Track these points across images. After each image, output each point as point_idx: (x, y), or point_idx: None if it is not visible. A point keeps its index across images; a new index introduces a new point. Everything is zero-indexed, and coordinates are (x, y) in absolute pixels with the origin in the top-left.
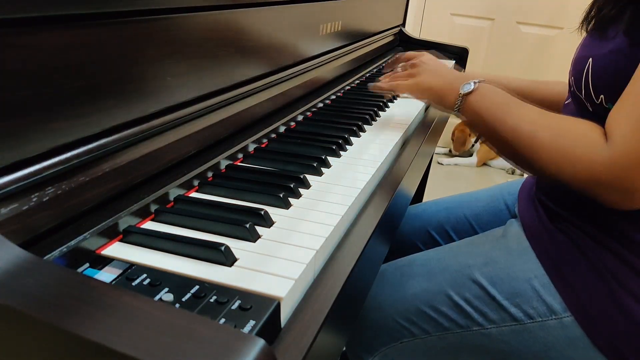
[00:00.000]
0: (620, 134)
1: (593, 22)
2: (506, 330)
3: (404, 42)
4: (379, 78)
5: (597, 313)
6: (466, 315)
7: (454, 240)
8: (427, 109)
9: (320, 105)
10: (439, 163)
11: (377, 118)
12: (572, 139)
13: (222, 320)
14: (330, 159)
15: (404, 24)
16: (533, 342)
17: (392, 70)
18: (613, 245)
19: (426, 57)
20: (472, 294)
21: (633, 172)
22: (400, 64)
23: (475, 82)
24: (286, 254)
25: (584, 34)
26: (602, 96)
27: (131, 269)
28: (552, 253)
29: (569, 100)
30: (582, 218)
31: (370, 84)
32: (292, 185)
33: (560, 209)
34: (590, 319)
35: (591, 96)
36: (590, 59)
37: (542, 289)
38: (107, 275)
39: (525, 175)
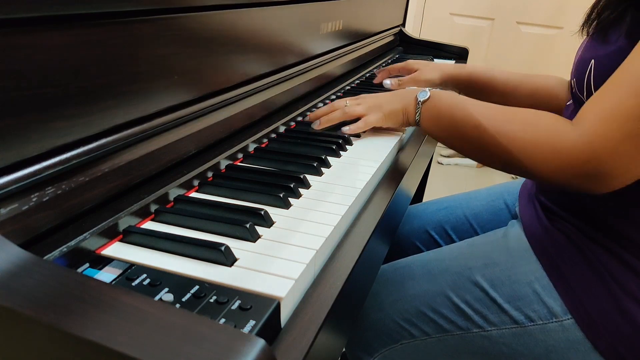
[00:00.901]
0: (590, 118)
1: (594, 25)
2: (507, 333)
3: (404, 42)
4: (317, 119)
5: (597, 315)
6: (466, 317)
7: (453, 240)
8: None
9: (321, 105)
10: (439, 163)
11: None
12: (538, 129)
13: (222, 320)
14: (330, 159)
15: (404, 24)
16: (534, 345)
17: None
18: (611, 246)
19: (363, 96)
20: (473, 296)
21: (600, 154)
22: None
23: (429, 89)
24: (286, 254)
25: (585, 35)
26: None
27: (131, 269)
28: (551, 253)
29: (570, 101)
30: (580, 218)
31: (314, 124)
32: (292, 185)
33: (559, 209)
34: (590, 322)
35: None
36: (593, 61)
37: (543, 292)
38: (107, 275)
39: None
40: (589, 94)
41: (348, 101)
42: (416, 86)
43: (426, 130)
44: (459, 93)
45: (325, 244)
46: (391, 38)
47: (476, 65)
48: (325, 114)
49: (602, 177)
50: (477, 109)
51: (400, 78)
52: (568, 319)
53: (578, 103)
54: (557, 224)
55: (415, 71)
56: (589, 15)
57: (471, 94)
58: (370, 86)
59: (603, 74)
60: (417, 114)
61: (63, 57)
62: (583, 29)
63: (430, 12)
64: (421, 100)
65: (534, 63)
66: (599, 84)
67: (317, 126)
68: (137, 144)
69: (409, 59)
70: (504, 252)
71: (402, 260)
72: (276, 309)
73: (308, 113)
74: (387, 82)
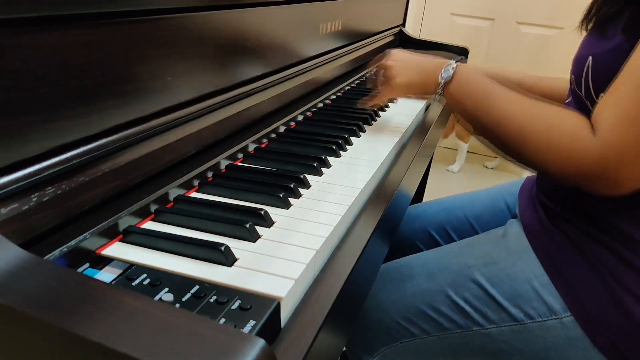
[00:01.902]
0: (606, 124)
1: (593, 20)
2: (506, 330)
3: (404, 42)
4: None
5: (596, 313)
6: (466, 316)
7: (454, 241)
8: (427, 109)
9: (320, 105)
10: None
11: (377, 118)
12: (560, 132)
13: (222, 320)
14: (330, 159)
15: (404, 24)
16: (533, 342)
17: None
18: (612, 244)
19: (394, 55)
20: (472, 294)
21: (618, 162)
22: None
23: (453, 67)
24: (286, 254)
25: (584, 33)
26: (601, 94)
27: (131, 269)
28: (551, 252)
29: (570, 99)
30: (580, 217)
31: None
32: (292, 185)
33: (559, 208)
34: (590, 319)
35: (591, 95)
36: (590, 57)
37: (543, 289)
38: (107, 275)
39: (525, 176)
40: (587, 91)
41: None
42: None
43: (448, 103)
44: None
45: (325, 244)
46: (391, 38)
47: (491, 66)
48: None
49: (616, 181)
50: (503, 99)
51: None
52: (567, 316)
53: (576, 99)
54: (557, 223)
55: None
56: (588, 11)
57: None
58: (370, 87)
59: (600, 71)
60: (439, 92)
61: (63, 57)
62: (582, 24)
63: (430, 12)
64: (442, 80)
65: (534, 63)
66: (596, 81)
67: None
68: (137, 144)
69: None
70: (503, 251)
71: (402, 259)
72: (276, 309)
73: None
74: None
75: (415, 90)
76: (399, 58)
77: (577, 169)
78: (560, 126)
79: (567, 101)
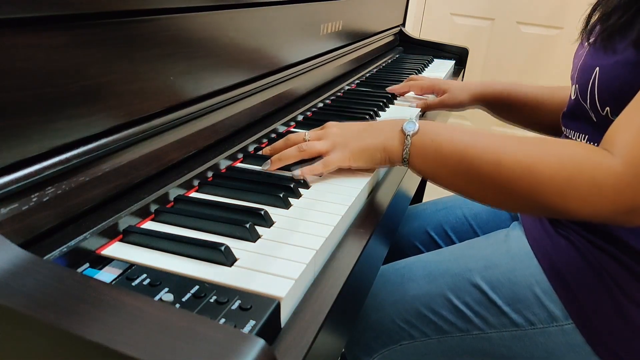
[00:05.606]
0: (628, 144)
1: (598, 30)
2: (507, 336)
3: (404, 42)
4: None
5: (599, 321)
6: (466, 319)
7: (453, 241)
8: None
9: (320, 105)
10: None
11: (377, 118)
12: (575, 164)
13: (222, 320)
14: None
15: (404, 24)
16: (534, 348)
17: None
18: (614, 252)
19: (329, 125)
20: (473, 298)
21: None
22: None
23: (415, 119)
24: (286, 253)
25: (586, 42)
26: (607, 108)
27: (131, 269)
28: (554, 258)
29: (567, 109)
30: (583, 226)
31: (264, 165)
32: (292, 185)
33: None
34: (591, 326)
35: (596, 107)
36: (597, 69)
37: (544, 295)
38: (107, 275)
39: None
40: (592, 103)
41: (308, 134)
42: (445, 110)
43: (418, 170)
44: (488, 111)
45: (325, 244)
46: (391, 38)
47: (503, 81)
48: (279, 151)
49: None
50: (493, 142)
51: (429, 101)
52: (568, 323)
53: (580, 110)
54: (560, 229)
55: (444, 92)
56: (587, 21)
57: (501, 111)
58: (370, 87)
59: (608, 84)
60: (406, 150)
61: (63, 57)
62: (582, 35)
63: (430, 12)
64: (409, 133)
65: (534, 63)
66: (603, 94)
67: (266, 167)
68: (137, 144)
69: (409, 59)
70: (504, 255)
71: (403, 261)
72: (276, 309)
73: (261, 147)
74: (412, 104)
75: (373, 154)
76: (333, 126)
77: (605, 198)
78: (571, 155)
79: (564, 112)
